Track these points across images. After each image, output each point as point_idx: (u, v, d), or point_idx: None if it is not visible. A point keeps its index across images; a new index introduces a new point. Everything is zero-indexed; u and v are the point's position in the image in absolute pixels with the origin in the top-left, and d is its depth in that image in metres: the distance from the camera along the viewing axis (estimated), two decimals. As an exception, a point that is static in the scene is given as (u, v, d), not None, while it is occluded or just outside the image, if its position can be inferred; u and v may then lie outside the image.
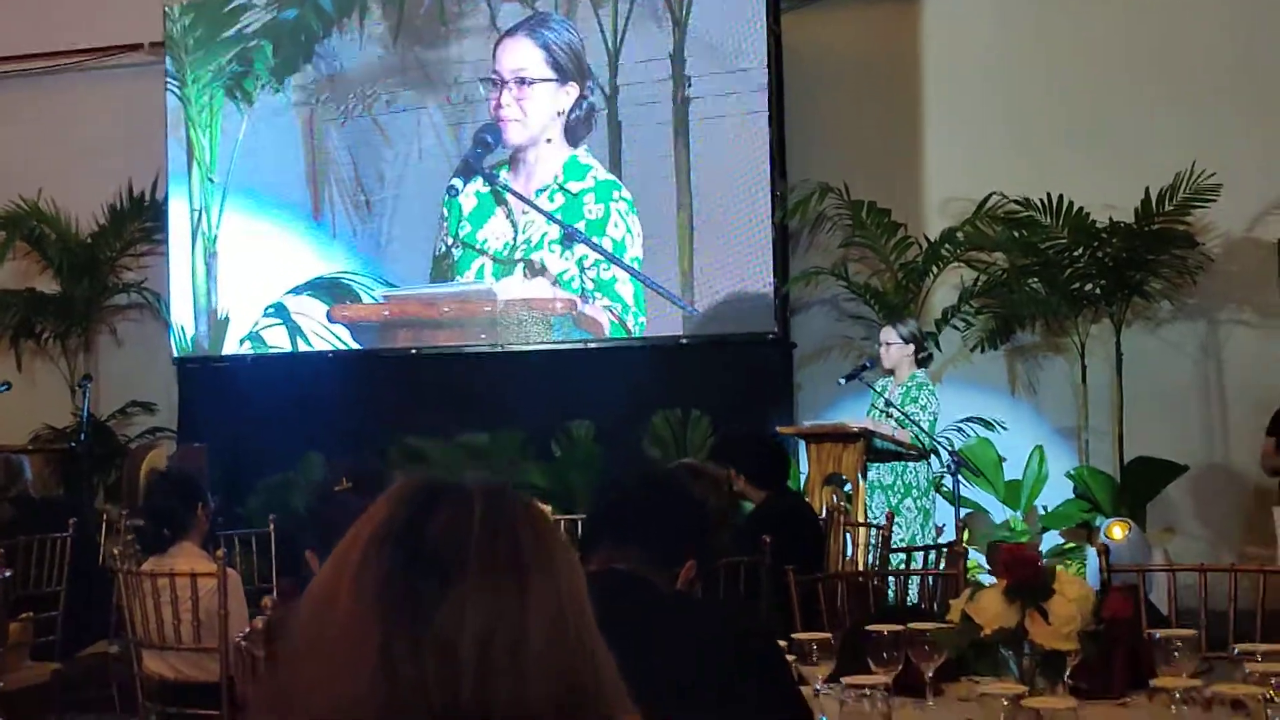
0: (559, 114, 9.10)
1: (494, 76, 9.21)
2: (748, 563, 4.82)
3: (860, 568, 5.96)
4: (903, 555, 5.75)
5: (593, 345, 8.99)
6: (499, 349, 9.17)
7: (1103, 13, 8.87)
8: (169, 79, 9.96)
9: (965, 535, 5.96)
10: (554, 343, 9.04)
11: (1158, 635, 3.00)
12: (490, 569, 1.30)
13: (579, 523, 6.77)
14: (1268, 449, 7.58)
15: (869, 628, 3.22)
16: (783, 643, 2.89)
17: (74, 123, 10.74)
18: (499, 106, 9.13)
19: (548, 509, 5.77)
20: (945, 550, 5.38)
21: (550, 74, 9.13)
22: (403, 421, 9.20)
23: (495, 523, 1.33)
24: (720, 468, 5.99)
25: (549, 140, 9.09)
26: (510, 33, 9.24)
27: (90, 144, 10.63)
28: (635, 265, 8.87)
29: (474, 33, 9.38)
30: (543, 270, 9.02)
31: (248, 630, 3.21)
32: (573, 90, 9.09)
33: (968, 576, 4.51)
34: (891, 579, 5.24)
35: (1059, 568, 2.96)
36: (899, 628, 3.16)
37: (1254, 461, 7.83)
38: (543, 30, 9.20)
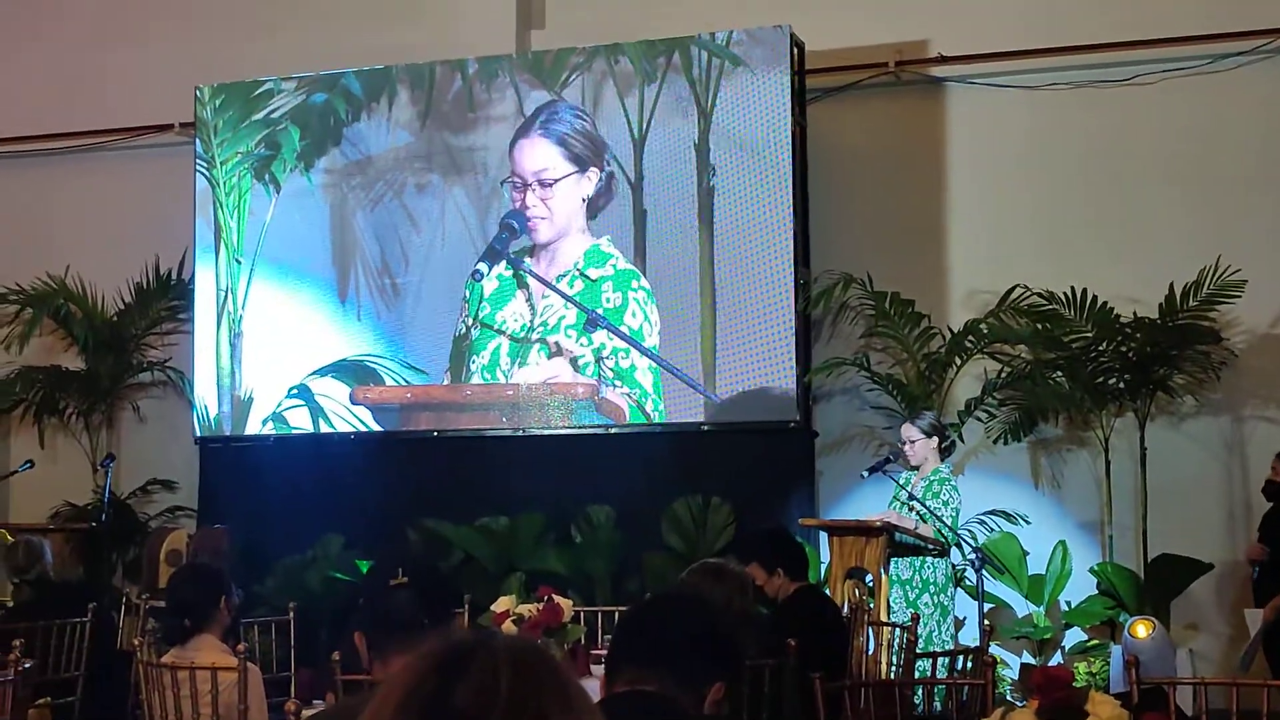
0: (583, 200, 9.18)
1: (514, 180, 9.29)
2: (772, 666, 4.78)
3: (883, 667, 5.91)
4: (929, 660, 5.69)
5: (614, 430, 8.99)
6: (520, 433, 9.17)
7: (1128, 108, 8.91)
8: (198, 160, 10.02)
9: (990, 637, 5.88)
10: (575, 427, 9.03)
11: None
12: None
13: (599, 614, 6.78)
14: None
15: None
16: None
17: (102, 201, 10.85)
18: (525, 207, 9.22)
19: (568, 602, 5.77)
20: (972, 655, 5.33)
21: (570, 167, 9.21)
22: (423, 504, 9.22)
23: (523, 690, 1.32)
24: (744, 564, 5.97)
25: (578, 229, 9.17)
26: (524, 134, 9.33)
27: (118, 222, 10.73)
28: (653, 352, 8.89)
29: (501, 119, 9.46)
30: (559, 353, 9.04)
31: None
32: (594, 175, 9.17)
33: (996, 690, 4.46)
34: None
35: (1092, 689, 2.93)
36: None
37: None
38: (554, 125, 9.28)
